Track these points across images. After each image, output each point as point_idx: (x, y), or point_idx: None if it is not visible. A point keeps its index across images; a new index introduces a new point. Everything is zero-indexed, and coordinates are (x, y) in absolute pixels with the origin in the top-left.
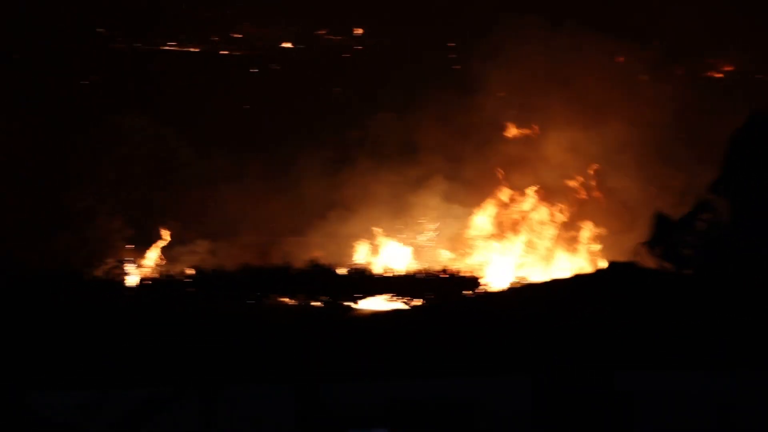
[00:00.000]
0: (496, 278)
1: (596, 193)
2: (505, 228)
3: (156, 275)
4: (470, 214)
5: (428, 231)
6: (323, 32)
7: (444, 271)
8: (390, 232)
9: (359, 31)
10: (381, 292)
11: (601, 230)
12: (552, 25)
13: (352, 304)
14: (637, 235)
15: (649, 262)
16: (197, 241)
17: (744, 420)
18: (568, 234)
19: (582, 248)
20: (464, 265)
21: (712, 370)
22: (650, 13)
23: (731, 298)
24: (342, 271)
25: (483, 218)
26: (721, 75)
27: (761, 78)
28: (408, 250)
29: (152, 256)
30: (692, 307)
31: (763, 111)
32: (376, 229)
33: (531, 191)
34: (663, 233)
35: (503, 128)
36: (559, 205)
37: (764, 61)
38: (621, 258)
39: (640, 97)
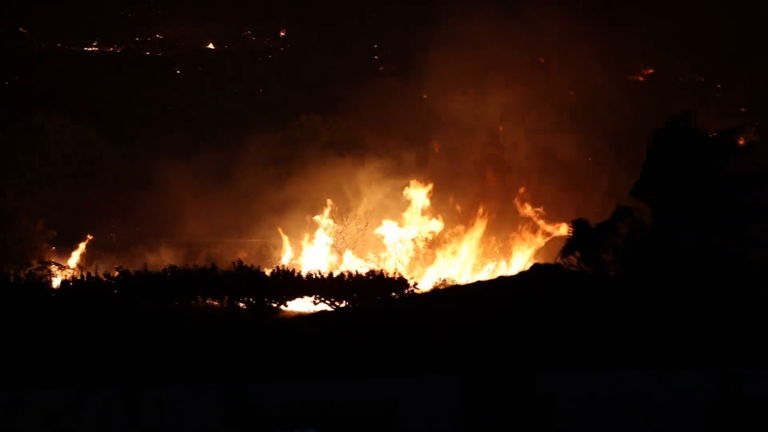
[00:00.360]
0: (421, 280)
1: (519, 198)
2: (431, 230)
3: (79, 277)
4: (397, 216)
5: (355, 233)
6: (246, 33)
7: (370, 273)
8: (316, 234)
9: (283, 32)
10: (306, 294)
11: (525, 233)
12: (474, 26)
13: (278, 305)
14: (561, 239)
15: (572, 264)
16: (121, 242)
17: (668, 419)
18: (492, 237)
19: (506, 251)
20: (390, 267)
21: (636, 370)
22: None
23: (652, 299)
24: (267, 272)
25: (410, 221)
26: (641, 78)
27: (682, 81)
28: (334, 252)
29: (75, 258)
30: (614, 309)
31: (679, 114)
32: (303, 231)
33: (455, 195)
34: (584, 236)
35: (429, 131)
36: (484, 209)
37: (684, 65)
38: (544, 260)
39: (564, 101)
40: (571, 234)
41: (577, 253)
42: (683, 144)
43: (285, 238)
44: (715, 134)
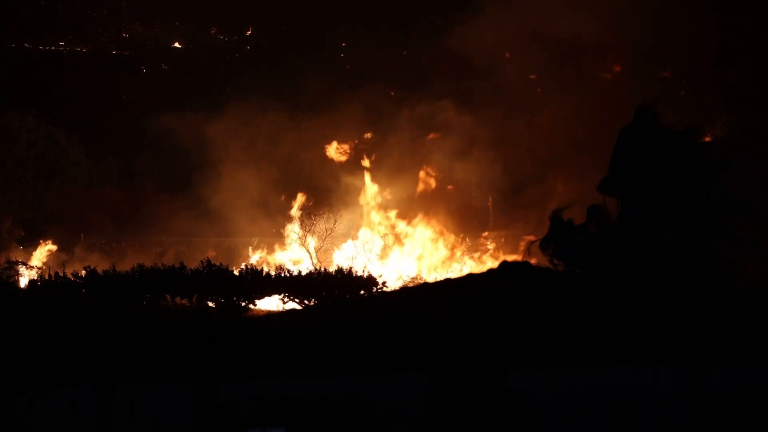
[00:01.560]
0: (390, 278)
1: (488, 194)
2: (400, 228)
3: (48, 276)
4: (366, 214)
5: (323, 231)
6: (213, 32)
7: (339, 271)
8: (284, 233)
9: (249, 31)
10: (275, 292)
11: (494, 231)
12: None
13: (247, 304)
14: (528, 235)
15: (541, 261)
16: (90, 241)
17: (639, 415)
18: (462, 235)
19: (474, 249)
20: (359, 266)
21: (606, 367)
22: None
23: (621, 294)
24: (236, 271)
25: (378, 219)
26: (608, 75)
27: (649, 75)
28: (302, 251)
29: (44, 257)
30: (583, 305)
31: (641, 108)
32: (271, 229)
33: (428, 192)
34: (554, 233)
35: (397, 128)
36: (453, 205)
37: (651, 60)
38: (514, 258)
39: (532, 97)
40: (548, 228)
41: (549, 249)
42: (648, 139)
43: (254, 240)
44: (681, 129)
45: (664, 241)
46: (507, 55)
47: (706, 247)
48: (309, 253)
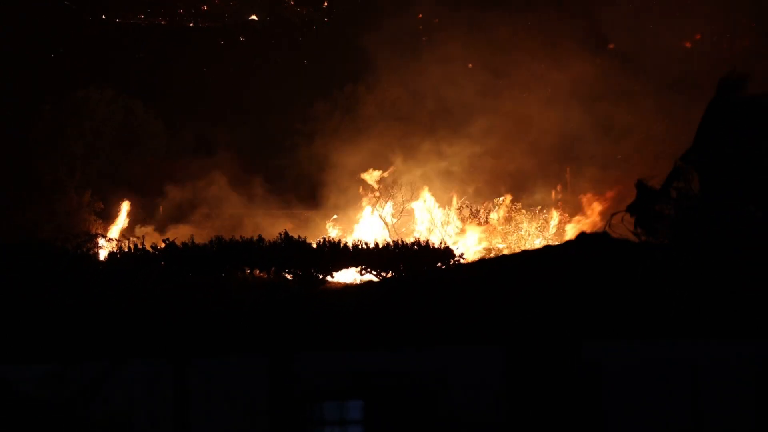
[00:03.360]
0: (467, 251)
1: (566, 165)
2: (476, 200)
3: (126, 248)
4: (443, 186)
5: (400, 203)
6: (290, 3)
7: (415, 243)
8: (362, 204)
9: (326, 2)
10: (353, 265)
11: (573, 199)
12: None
13: (324, 276)
14: (609, 206)
15: (622, 231)
16: (167, 214)
17: (715, 390)
18: (538, 206)
19: (552, 220)
20: (436, 238)
21: (683, 340)
22: None
23: (702, 268)
24: (313, 243)
25: (455, 191)
26: (689, 45)
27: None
28: (380, 223)
29: (122, 230)
30: (661, 277)
31: (732, 79)
32: (348, 202)
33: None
34: (640, 201)
35: (472, 103)
36: (531, 178)
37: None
38: (591, 228)
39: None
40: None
41: (633, 218)
42: (737, 109)
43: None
44: None
45: (752, 215)
46: None
47: None
48: (386, 224)
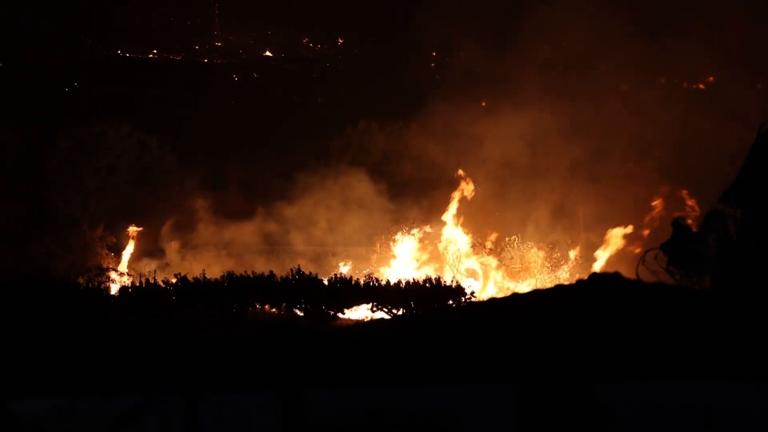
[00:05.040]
0: (479, 288)
1: (583, 205)
2: (490, 238)
3: (138, 282)
4: (455, 224)
5: (412, 241)
6: (305, 41)
7: (427, 280)
8: (374, 242)
9: (341, 39)
10: (364, 302)
11: (586, 240)
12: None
13: (335, 313)
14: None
15: (640, 272)
16: (180, 248)
17: (730, 430)
18: (553, 245)
19: (564, 259)
20: (448, 276)
21: (698, 382)
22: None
23: (726, 308)
24: (325, 280)
25: (468, 228)
26: (702, 86)
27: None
28: (391, 260)
29: (135, 264)
30: (675, 319)
31: None
32: (360, 239)
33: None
34: (677, 239)
35: (487, 139)
36: (544, 216)
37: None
38: (605, 269)
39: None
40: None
41: (667, 257)
42: None
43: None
44: None
45: None
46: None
47: None
48: (398, 262)
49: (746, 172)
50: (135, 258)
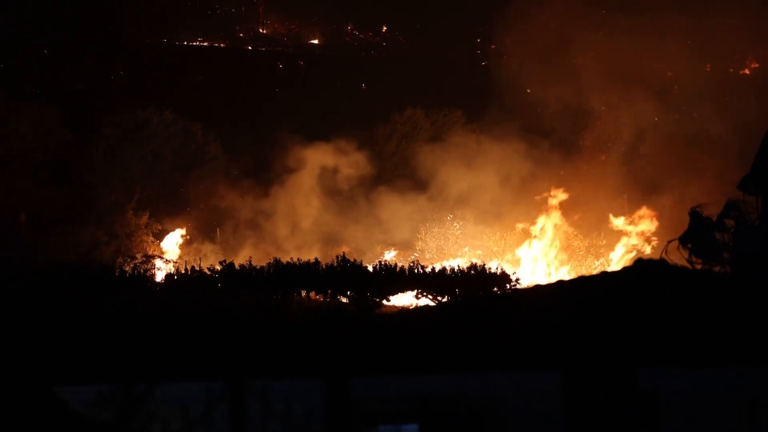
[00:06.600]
0: (524, 275)
1: (624, 187)
2: (534, 225)
3: (184, 270)
4: (499, 211)
5: (456, 229)
6: (349, 28)
7: (472, 267)
8: (418, 229)
9: (385, 27)
10: (408, 289)
11: (629, 224)
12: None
13: (380, 300)
14: (666, 232)
15: (679, 258)
16: (225, 235)
17: None
18: (595, 232)
19: (609, 246)
20: (492, 263)
21: (742, 367)
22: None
23: (758, 296)
24: (370, 267)
25: (512, 216)
26: (747, 71)
27: None
28: (436, 247)
29: (180, 251)
30: (719, 304)
31: None
32: (405, 226)
33: (561, 191)
34: (693, 230)
35: (534, 128)
36: (589, 203)
37: None
38: (649, 255)
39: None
40: (689, 225)
41: (689, 246)
42: None
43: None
44: None
45: None
46: None
47: None
48: (442, 250)
49: (763, 159)
50: (184, 244)
